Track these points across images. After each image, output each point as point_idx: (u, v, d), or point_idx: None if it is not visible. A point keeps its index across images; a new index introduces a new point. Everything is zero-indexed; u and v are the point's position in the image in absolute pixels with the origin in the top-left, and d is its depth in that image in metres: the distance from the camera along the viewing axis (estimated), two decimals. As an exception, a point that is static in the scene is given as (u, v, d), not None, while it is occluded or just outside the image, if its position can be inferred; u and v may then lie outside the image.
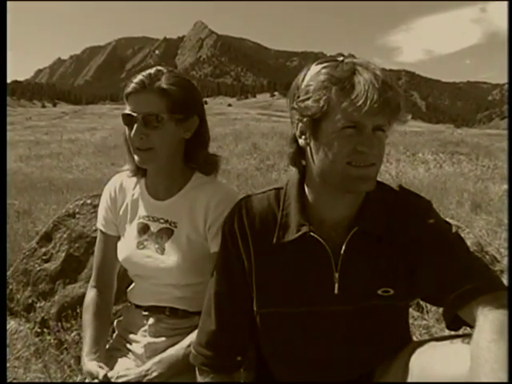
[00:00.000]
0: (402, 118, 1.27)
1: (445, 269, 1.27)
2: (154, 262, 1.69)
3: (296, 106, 1.28)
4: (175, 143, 1.66)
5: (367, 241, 1.32)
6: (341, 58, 1.26)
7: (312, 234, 1.32)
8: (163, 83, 1.60)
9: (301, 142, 1.32)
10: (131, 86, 1.60)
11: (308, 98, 1.24)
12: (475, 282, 1.22)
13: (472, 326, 1.20)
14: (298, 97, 1.27)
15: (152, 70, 1.63)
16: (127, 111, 1.61)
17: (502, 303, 1.16)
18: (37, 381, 2.49)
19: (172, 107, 1.60)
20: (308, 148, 1.31)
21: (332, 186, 1.29)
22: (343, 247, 1.32)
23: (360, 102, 1.17)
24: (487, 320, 1.13)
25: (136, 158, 1.64)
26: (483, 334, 1.10)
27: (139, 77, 1.60)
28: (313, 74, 1.26)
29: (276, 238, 1.36)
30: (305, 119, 1.27)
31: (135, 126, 1.59)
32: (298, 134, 1.32)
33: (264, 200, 1.42)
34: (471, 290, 1.21)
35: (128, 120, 1.61)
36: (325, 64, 1.26)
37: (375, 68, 1.23)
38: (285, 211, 1.38)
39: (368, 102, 1.16)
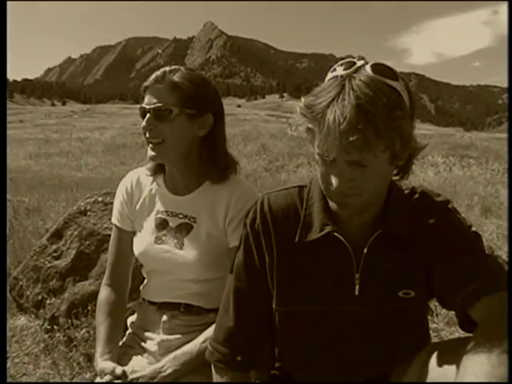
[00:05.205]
0: (405, 147, 1.21)
1: (456, 269, 1.26)
2: (173, 256, 1.69)
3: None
4: (188, 140, 1.66)
5: (389, 243, 1.30)
6: (341, 73, 1.15)
7: (335, 234, 1.30)
8: (175, 77, 1.62)
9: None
10: (148, 80, 1.64)
11: (298, 119, 1.22)
12: (481, 282, 1.21)
13: None
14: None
15: (169, 67, 1.66)
16: (142, 104, 1.65)
17: (504, 303, 1.15)
18: (46, 377, 2.50)
19: (183, 102, 1.62)
20: None
21: None
22: (365, 249, 1.30)
23: (321, 145, 1.15)
24: (486, 322, 1.13)
25: (148, 152, 1.65)
26: (476, 339, 1.10)
27: (156, 72, 1.64)
28: (303, 99, 1.20)
29: (299, 237, 1.35)
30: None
31: (146, 117, 1.63)
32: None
33: (288, 197, 1.41)
34: (476, 291, 1.20)
35: (142, 112, 1.65)
36: (315, 89, 1.19)
37: (362, 93, 1.09)
38: (308, 210, 1.36)
39: (325, 148, 1.13)
